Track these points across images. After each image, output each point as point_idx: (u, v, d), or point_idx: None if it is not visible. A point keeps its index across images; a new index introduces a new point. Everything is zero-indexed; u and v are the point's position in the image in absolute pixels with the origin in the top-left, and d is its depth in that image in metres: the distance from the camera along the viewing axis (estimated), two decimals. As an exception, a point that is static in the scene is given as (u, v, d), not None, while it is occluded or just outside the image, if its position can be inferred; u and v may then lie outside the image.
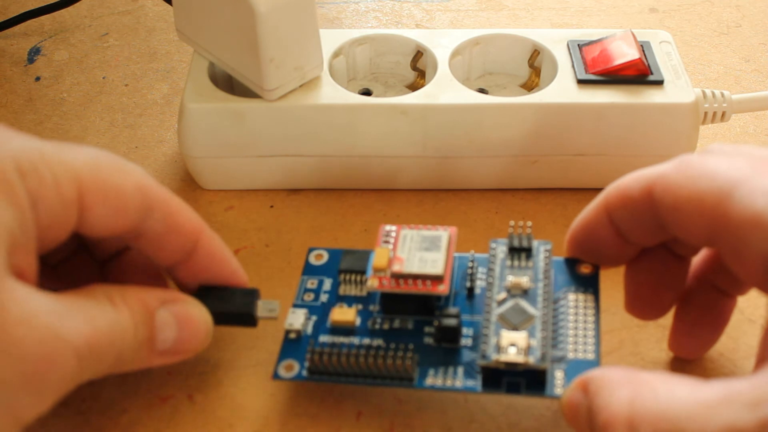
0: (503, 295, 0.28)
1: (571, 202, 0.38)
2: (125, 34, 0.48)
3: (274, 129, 0.36)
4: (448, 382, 0.27)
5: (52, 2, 0.48)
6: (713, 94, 0.37)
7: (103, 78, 0.45)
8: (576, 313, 0.28)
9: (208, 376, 0.31)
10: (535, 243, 0.30)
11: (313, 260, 0.32)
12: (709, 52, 0.47)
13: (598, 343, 0.28)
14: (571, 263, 0.30)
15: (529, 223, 0.30)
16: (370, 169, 0.37)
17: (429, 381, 0.27)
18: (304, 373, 0.28)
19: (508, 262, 0.29)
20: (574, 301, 0.29)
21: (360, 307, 0.30)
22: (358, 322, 0.29)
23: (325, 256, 0.32)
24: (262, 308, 0.30)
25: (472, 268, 0.30)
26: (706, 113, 0.37)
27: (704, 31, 0.48)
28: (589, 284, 0.29)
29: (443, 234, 0.30)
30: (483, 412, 0.29)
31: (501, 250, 0.30)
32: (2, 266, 0.23)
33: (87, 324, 0.24)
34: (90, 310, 0.25)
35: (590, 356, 0.27)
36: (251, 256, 0.35)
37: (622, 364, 0.31)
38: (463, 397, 0.30)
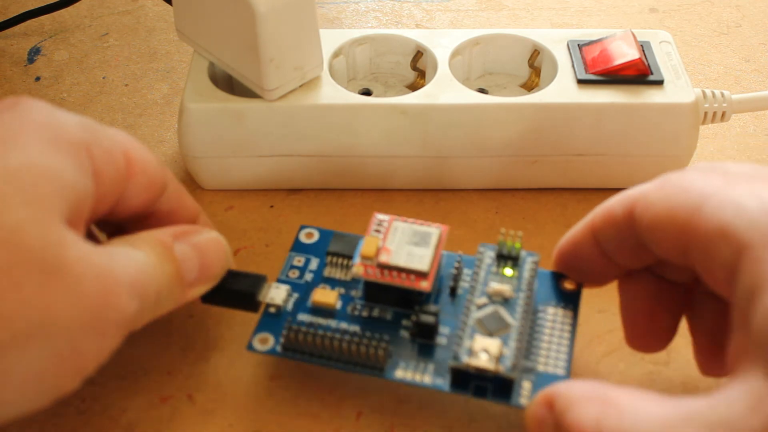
0: (484, 300, 0.29)
1: (571, 202, 0.38)
2: (125, 34, 0.48)
3: (274, 129, 0.36)
4: (417, 378, 0.28)
5: (52, 2, 0.48)
6: (713, 94, 0.37)
7: (103, 78, 0.45)
8: (552, 327, 0.29)
9: (208, 376, 0.31)
10: (522, 253, 0.30)
11: (303, 238, 0.32)
12: (709, 52, 0.47)
13: (569, 360, 0.28)
14: (557, 277, 0.30)
15: (520, 233, 0.30)
16: (370, 169, 0.37)
17: (399, 374, 0.28)
18: (279, 348, 0.28)
19: (494, 269, 0.30)
20: (552, 315, 0.29)
21: (342, 291, 0.30)
22: (338, 305, 0.30)
23: (316, 236, 0.32)
24: (266, 292, 0.30)
25: (458, 268, 0.30)
26: (706, 113, 0.37)
27: (704, 31, 0.48)
28: (570, 300, 0.30)
29: (434, 231, 0.30)
30: (483, 412, 0.29)
31: (489, 255, 0.30)
32: (63, 217, 0.24)
33: (130, 262, 0.26)
34: (125, 254, 0.26)
35: (560, 371, 0.27)
36: (251, 256, 0.35)
37: (622, 364, 0.31)
38: (463, 398, 0.30)
